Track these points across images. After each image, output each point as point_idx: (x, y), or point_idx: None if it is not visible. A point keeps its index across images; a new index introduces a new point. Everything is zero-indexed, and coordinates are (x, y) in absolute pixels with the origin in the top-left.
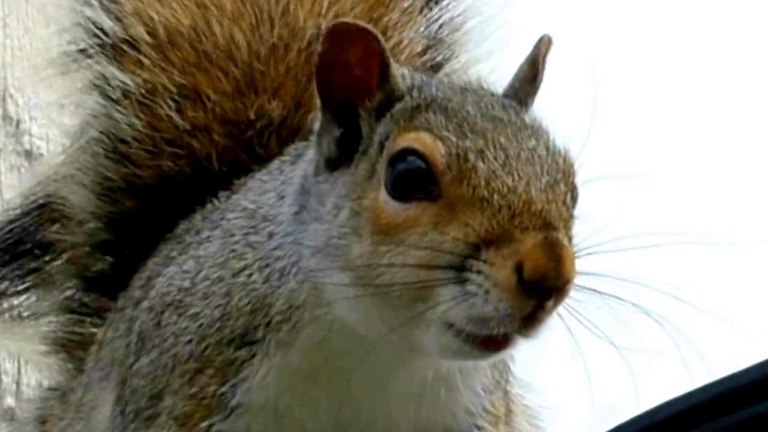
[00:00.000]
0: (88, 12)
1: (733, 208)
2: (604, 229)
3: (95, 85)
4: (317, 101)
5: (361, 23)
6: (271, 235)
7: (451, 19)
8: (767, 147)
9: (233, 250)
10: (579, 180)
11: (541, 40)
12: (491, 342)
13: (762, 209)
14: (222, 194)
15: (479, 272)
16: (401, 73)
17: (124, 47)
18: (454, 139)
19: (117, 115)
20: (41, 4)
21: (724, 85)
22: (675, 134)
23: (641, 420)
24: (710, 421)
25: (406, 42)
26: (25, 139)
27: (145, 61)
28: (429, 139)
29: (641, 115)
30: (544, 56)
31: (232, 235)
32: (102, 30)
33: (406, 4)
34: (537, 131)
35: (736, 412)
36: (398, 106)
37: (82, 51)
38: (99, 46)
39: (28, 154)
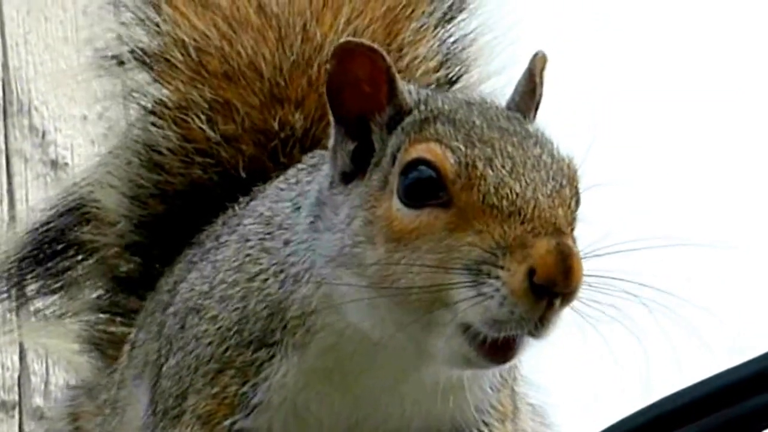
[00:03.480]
0: (124, 29)
1: (725, 212)
2: (608, 232)
3: (129, 94)
4: (331, 117)
5: (367, 42)
6: (286, 243)
7: (464, 36)
8: (759, 154)
9: (249, 255)
10: (582, 185)
11: (535, 56)
12: (498, 350)
13: (753, 214)
14: (242, 200)
15: (497, 278)
16: (408, 89)
17: (159, 63)
18: (462, 148)
19: (153, 128)
20: (65, 20)
21: (721, 91)
22: (670, 142)
23: (638, 417)
24: (701, 418)
25: (420, 58)
26: (51, 149)
27: (179, 76)
28: (439, 149)
29: (640, 124)
30: (541, 71)
31: (248, 240)
32: (139, 45)
33: (420, 23)
34: (541, 140)
35: (726, 408)
36: (408, 119)
37: (115, 57)
38: (136, 59)
39: (54, 164)
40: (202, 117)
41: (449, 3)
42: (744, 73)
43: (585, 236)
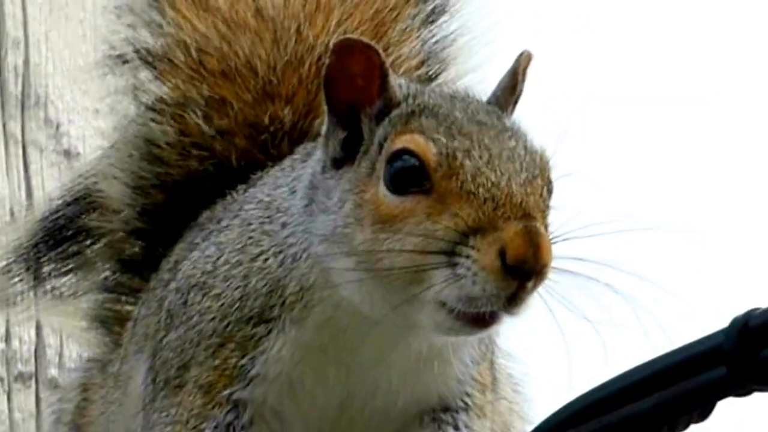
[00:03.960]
0: (131, 31)
1: (688, 199)
2: (576, 217)
3: (132, 91)
4: (324, 107)
5: (365, 39)
6: (284, 225)
7: (444, 37)
8: (730, 147)
9: (250, 238)
10: (554, 175)
11: (521, 54)
12: (479, 319)
13: (714, 200)
14: (240, 187)
15: (468, 257)
16: (398, 83)
17: (162, 62)
18: (444, 140)
19: (152, 124)
20: (84, 19)
21: (697, 89)
22: (647, 139)
23: (593, 393)
24: (650, 396)
25: (404, 57)
26: (64, 140)
27: (180, 75)
28: (422, 141)
29: (616, 120)
30: (524, 69)
31: (250, 224)
32: (144, 45)
33: (405, 25)
34: (516, 133)
35: (672, 386)
36: (395, 112)
37: (120, 56)
38: (140, 59)
39: (67, 153)
40: (199, 113)
41: (432, 6)
42: (721, 71)
43: (558, 222)
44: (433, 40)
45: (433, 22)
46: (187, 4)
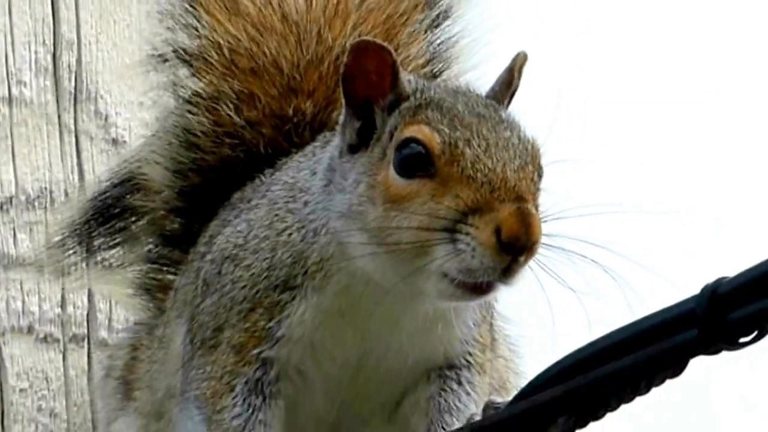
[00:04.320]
0: (170, 34)
1: (665, 184)
2: (564, 200)
3: (172, 86)
4: (342, 100)
5: (378, 41)
6: (306, 203)
7: (448, 39)
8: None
9: (276, 215)
10: (544, 162)
11: (518, 54)
12: (477, 288)
13: (688, 183)
14: (267, 171)
15: (467, 234)
16: (408, 79)
17: (198, 61)
18: (447, 130)
19: (189, 115)
20: (128, 24)
21: (691, 88)
22: (622, 125)
23: (580, 352)
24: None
25: (413, 56)
26: (112, 130)
27: (214, 72)
28: (428, 131)
29: (593, 112)
30: (520, 67)
31: (276, 203)
32: (182, 45)
33: (413, 28)
34: (511, 124)
35: (650, 346)
36: (405, 105)
37: (160, 56)
38: (178, 58)
39: (114, 142)
40: (231, 106)
41: (437, 12)
42: (709, 62)
43: (547, 203)
44: (438, 41)
45: (437, 26)
46: (221, 9)
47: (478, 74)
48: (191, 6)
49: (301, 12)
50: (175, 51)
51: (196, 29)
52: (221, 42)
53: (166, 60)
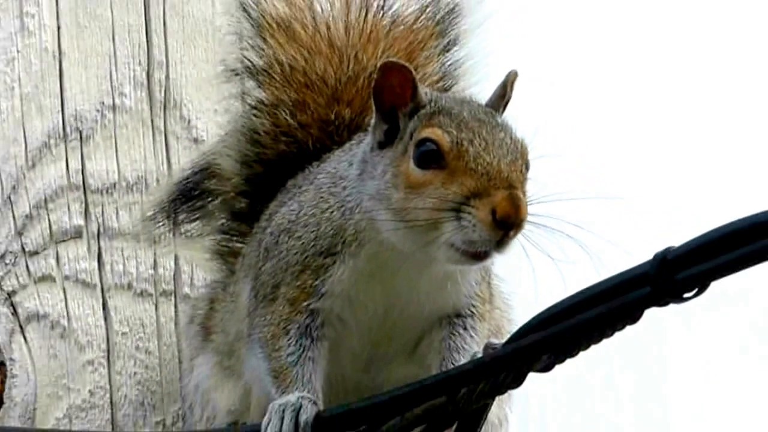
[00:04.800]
0: (241, 53)
1: (627, 172)
2: (545, 187)
3: (241, 95)
4: (373, 108)
5: (401, 61)
6: (344, 188)
7: (456, 61)
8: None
9: (321, 197)
10: (530, 157)
11: (510, 72)
12: (477, 255)
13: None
14: (314, 163)
15: (469, 213)
16: (425, 92)
17: (263, 75)
18: (455, 132)
19: (254, 118)
20: (206, 48)
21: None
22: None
23: (555, 306)
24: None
25: (429, 74)
26: (193, 131)
27: (275, 84)
28: (440, 132)
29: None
30: (512, 82)
31: (321, 188)
32: (251, 62)
33: (428, 53)
34: (505, 128)
35: (613, 300)
36: (422, 111)
37: (233, 71)
38: (247, 72)
39: (195, 140)
40: (287, 111)
41: (447, 40)
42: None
43: (533, 189)
44: (448, 63)
45: (448, 50)
46: (281, 35)
47: (479, 89)
48: (259, 31)
49: (342, 40)
50: (245, 67)
51: (263, 50)
52: (282, 61)
53: (237, 74)
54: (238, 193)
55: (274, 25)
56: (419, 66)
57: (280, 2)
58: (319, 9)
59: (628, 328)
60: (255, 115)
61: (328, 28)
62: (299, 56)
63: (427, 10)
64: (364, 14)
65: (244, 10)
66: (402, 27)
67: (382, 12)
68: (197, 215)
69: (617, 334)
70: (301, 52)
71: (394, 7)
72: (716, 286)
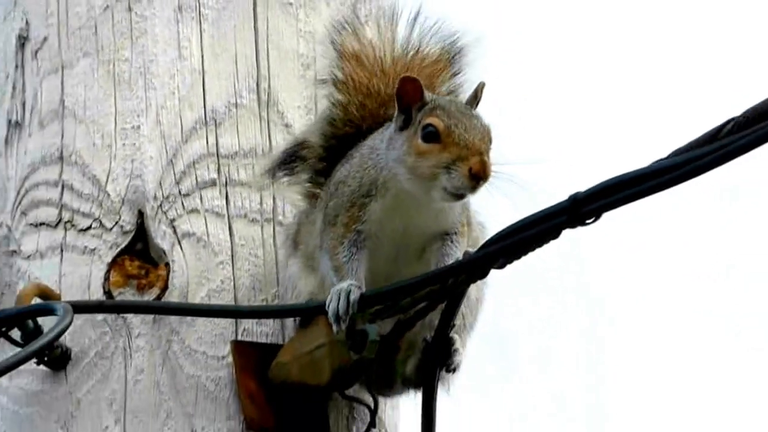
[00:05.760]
0: (330, 67)
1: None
2: (501, 154)
3: (325, 97)
4: (396, 106)
5: (414, 76)
6: (378, 155)
7: (460, 83)
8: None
9: (363, 161)
10: (493, 135)
11: (480, 83)
12: (460, 196)
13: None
14: (362, 141)
15: (456, 170)
16: (428, 95)
17: (341, 84)
18: (447, 120)
19: (333, 110)
20: (293, 67)
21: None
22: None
23: (507, 228)
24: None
25: (440, 89)
26: (285, 119)
27: (349, 90)
28: (437, 120)
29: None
30: (481, 90)
31: (363, 156)
32: (335, 76)
33: (442, 77)
34: (477, 117)
35: (541, 225)
36: (426, 107)
37: (322, 80)
38: (332, 82)
39: (286, 125)
40: (353, 107)
41: (455, 69)
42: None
43: (494, 155)
44: (454, 81)
45: (455, 76)
46: (354, 61)
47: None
48: (340, 58)
49: (389, 67)
50: (331, 77)
51: (342, 69)
52: (353, 77)
53: (324, 82)
54: (319, 159)
55: (349, 55)
56: (436, 85)
57: (354, 42)
58: (377, 47)
59: None
60: (332, 108)
61: (382, 60)
62: (363, 76)
63: (445, 50)
64: (403, 52)
65: (332, 44)
66: (428, 60)
67: (415, 51)
68: (291, 171)
69: None
70: (365, 73)
71: (424, 49)
72: None
